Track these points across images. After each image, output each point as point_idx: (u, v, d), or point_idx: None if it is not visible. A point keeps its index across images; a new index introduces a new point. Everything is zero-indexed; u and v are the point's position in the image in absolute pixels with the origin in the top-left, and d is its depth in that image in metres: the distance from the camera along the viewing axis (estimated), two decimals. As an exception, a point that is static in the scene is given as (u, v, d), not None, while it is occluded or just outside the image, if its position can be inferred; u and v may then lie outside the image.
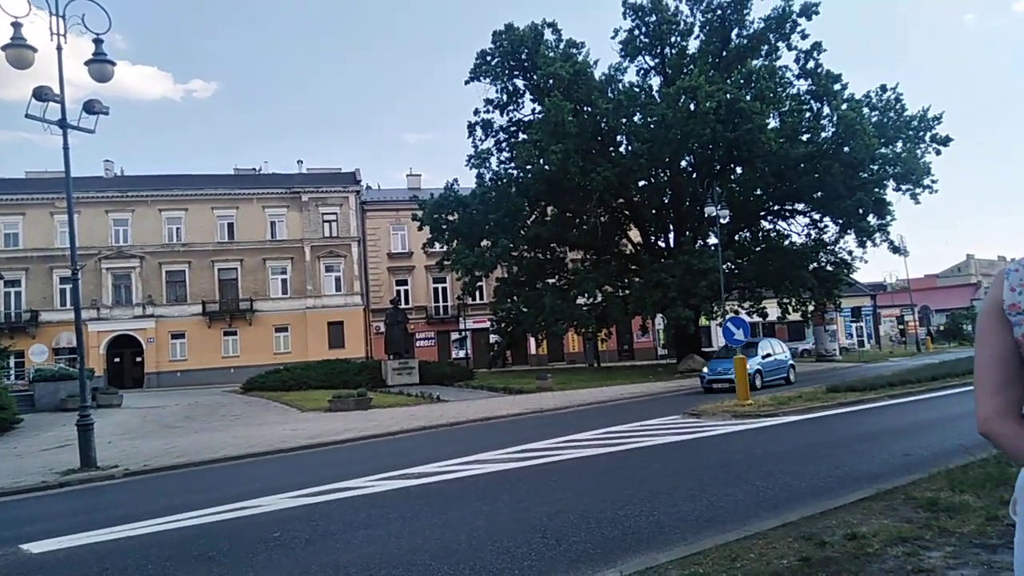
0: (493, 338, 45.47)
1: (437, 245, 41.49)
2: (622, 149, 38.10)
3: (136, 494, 11.33)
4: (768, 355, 26.08)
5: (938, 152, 36.80)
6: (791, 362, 27.66)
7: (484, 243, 37.84)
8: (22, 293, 48.73)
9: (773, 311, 41.53)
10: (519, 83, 39.70)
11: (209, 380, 47.96)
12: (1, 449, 18.19)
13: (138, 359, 50.41)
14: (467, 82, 39.32)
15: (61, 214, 46.09)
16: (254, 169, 59.02)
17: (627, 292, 39.10)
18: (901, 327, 64.68)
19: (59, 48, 13.15)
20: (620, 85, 38.25)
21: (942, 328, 69.20)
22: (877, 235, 36.96)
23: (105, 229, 50.51)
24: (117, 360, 50.11)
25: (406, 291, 54.44)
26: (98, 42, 13.30)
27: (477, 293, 47.46)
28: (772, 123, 34.44)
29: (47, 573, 6.79)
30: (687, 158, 37.39)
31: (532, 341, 50.05)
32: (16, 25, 12.59)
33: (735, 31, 37.35)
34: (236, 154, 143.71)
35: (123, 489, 11.89)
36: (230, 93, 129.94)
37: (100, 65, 13.32)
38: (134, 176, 54.05)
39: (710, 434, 13.72)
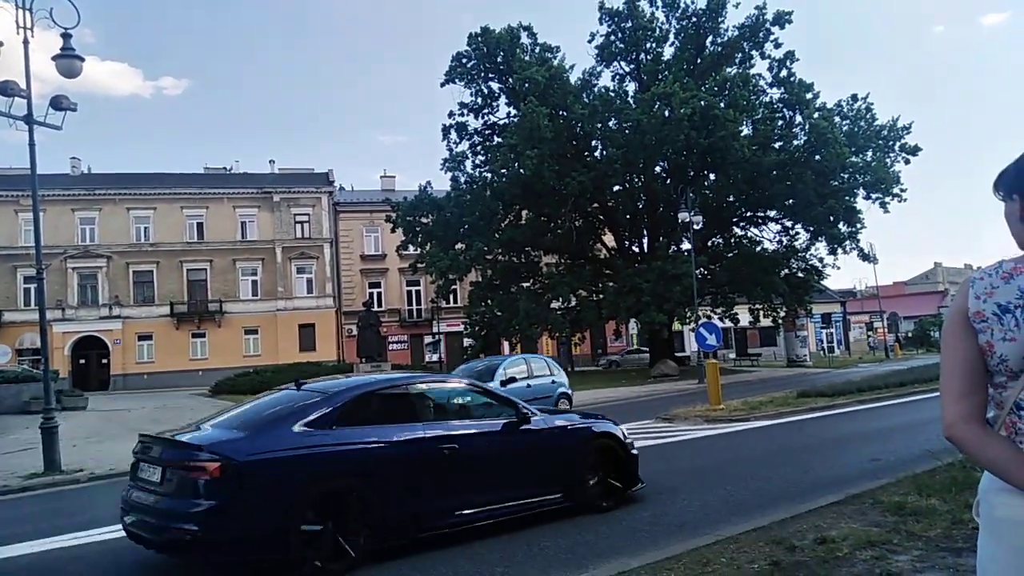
0: (467, 341, 45.36)
1: (411, 247, 41.31)
2: (597, 154, 38.33)
3: (102, 498, 11.05)
4: (514, 379, 17.26)
5: (907, 161, 37.59)
6: (565, 389, 18.73)
7: (458, 246, 37.79)
8: (-15, 293, 47.71)
9: (745, 316, 41.97)
10: (494, 86, 39.79)
11: (177, 383, 47.26)
12: (-39, 452, 17.73)
13: (104, 361, 49.58)
14: (443, 84, 39.33)
15: (26, 212, 45.19)
16: (225, 168, 58.37)
17: (601, 297, 39.26)
18: (870, 333, 65.68)
19: (26, 42, 12.88)
20: (596, 90, 38.51)
21: (910, 335, 70.39)
22: (847, 242, 37.57)
23: (71, 228, 49.65)
24: (82, 362, 49.21)
25: (379, 293, 54.15)
26: (66, 37, 13.05)
27: (451, 296, 47.36)
28: (745, 131, 34.88)
29: (7, 580, 6.61)
30: (661, 164, 37.68)
31: (506, 345, 49.98)
32: (-18, 19, 12.32)
33: (710, 39, 37.76)
34: (207, 153, 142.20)
35: (88, 493, 11.64)
36: (201, 91, 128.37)
37: (68, 60, 13.08)
38: (102, 174, 53.13)
39: (683, 439, 13.79)
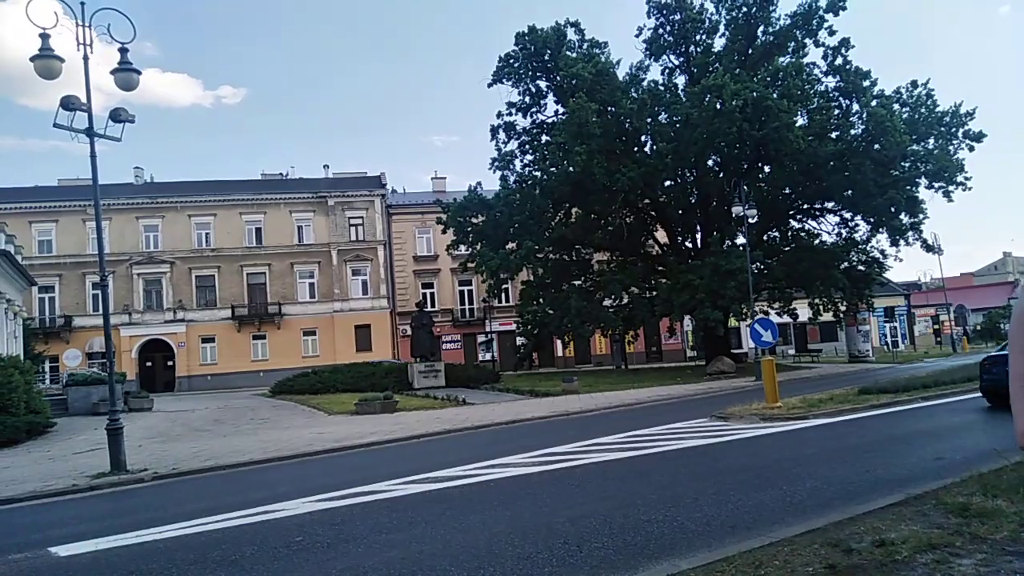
0: (519, 340, 45.41)
1: (462, 248, 41.51)
2: (647, 149, 37.88)
3: (164, 498, 11.44)
4: None
5: (971, 148, 36.13)
6: None
7: (509, 245, 37.80)
8: (56, 299, 49.68)
9: (804, 312, 41.01)
10: (542, 84, 39.64)
11: (238, 384, 48.52)
12: (34, 452, 18.52)
13: (169, 363, 51.16)
14: (490, 85, 39.34)
15: (92, 221, 46.87)
16: (281, 174, 59.68)
17: (654, 294, 38.83)
18: (936, 327, 63.49)
19: (85, 58, 13.36)
20: (644, 84, 38.08)
21: (979, 327, 67.85)
22: (910, 234, 36.33)
23: (136, 235, 51.35)
24: (149, 364, 50.88)
25: (432, 294, 54.61)
26: (123, 51, 13.49)
27: (503, 295, 47.47)
28: (800, 121, 34.03)
29: (73, 577, 6.86)
30: (713, 157, 37.04)
31: (558, 343, 49.96)
32: (44, 36, 12.80)
33: (761, 28, 36.93)
34: (263, 159, 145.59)
35: (151, 492, 12.02)
36: (258, 99, 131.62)
37: (126, 74, 13.51)
38: (164, 183, 54.90)
39: (737, 437, 13.53)
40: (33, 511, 10.94)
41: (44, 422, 23.44)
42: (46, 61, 12.88)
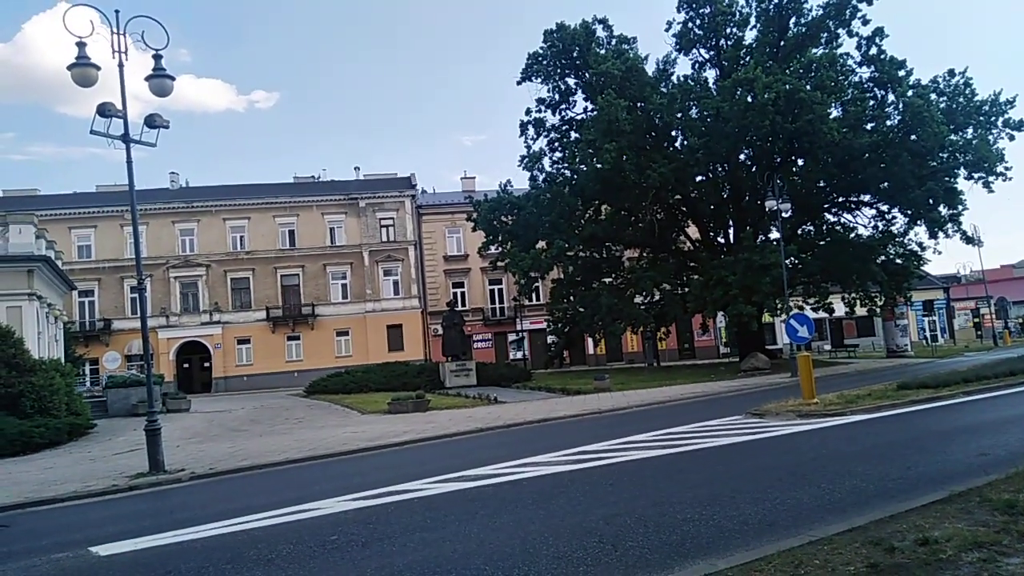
0: (550, 338, 45.33)
1: (492, 247, 41.54)
2: (677, 144, 37.56)
3: (201, 497, 11.59)
4: None
5: (1012, 138, 35.35)
6: None
7: (539, 244, 37.74)
8: (95, 302, 50.69)
9: (840, 306, 40.35)
10: (571, 82, 39.50)
11: (274, 384, 49.13)
12: (75, 453, 18.90)
13: (206, 364, 51.96)
14: (519, 82, 39.33)
15: (130, 225, 47.76)
16: (313, 177, 60.28)
17: (686, 290, 38.49)
18: (976, 320, 62.07)
19: (121, 65, 13.57)
20: (674, 79, 37.73)
21: (1021, 321, 66.18)
22: (949, 226, 35.46)
23: (172, 239, 52.21)
24: (186, 366, 51.75)
25: (463, 293, 54.75)
26: (157, 58, 13.68)
27: (533, 294, 47.38)
28: (834, 113, 33.44)
29: (113, 575, 6.96)
30: (745, 151, 36.61)
31: (589, 341, 49.69)
32: (80, 45, 13.03)
33: (792, 20, 36.35)
34: (296, 162, 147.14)
35: (189, 492, 12.19)
36: (290, 103, 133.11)
37: (160, 80, 13.70)
38: (199, 187, 55.75)
39: (774, 435, 13.33)
40: (74, 511, 11.16)
41: (85, 424, 23.92)
42: (83, 69, 13.12)
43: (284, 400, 35.40)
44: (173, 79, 14.02)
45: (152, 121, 14.06)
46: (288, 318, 52.59)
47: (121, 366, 40.80)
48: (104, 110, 13.37)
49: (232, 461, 14.89)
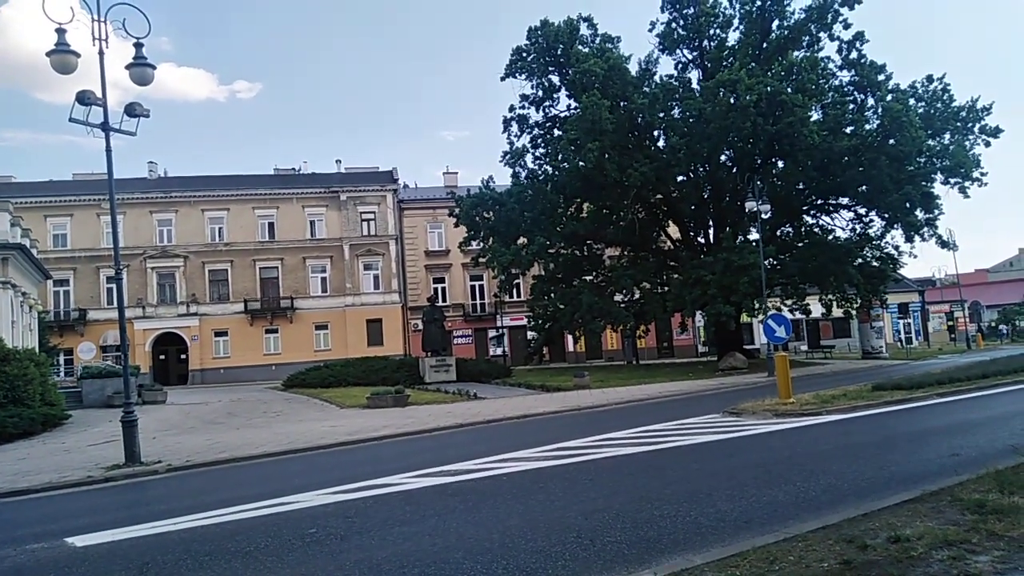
0: (530, 335, 45.41)
1: (474, 243, 41.53)
2: (659, 144, 37.71)
3: (178, 489, 11.52)
4: None
5: (988, 144, 35.89)
6: None
7: (520, 240, 37.78)
8: (71, 292, 50.03)
9: (817, 308, 40.77)
10: (554, 79, 39.50)
11: (251, 377, 48.78)
12: (50, 444, 18.67)
13: (183, 356, 51.47)
14: (503, 78, 39.24)
15: (107, 215, 47.05)
16: (294, 169, 59.79)
17: (666, 289, 38.70)
18: (950, 323, 62.96)
19: (101, 53, 13.42)
20: (657, 79, 37.88)
21: (993, 324, 67.26)
22: (925, 229, 35.96)
23: (150, 229, 51.63)
24: (163, 357, 51.23)
25: (443, 289, 54.65)
26: (138, 46, 13.54)
27: (514, 290, 47.44)
28: (814, 116, 33.81)
29: (90, 566, 6.92)
30: (727, 152, 36.83)
31: (569, 338, 49.94)
32: (60, 31, 12.87)
33: (775, 22, 36.63)
34: (276, 154, 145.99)
35: (165, 484, 12.10)
36: (272, 94, 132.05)
37: (140, 69, 13.56)
38: (177, 177, 55.13)
39: (750, 433, 13.48)
40: (49, 502, 11.05)
41: (59, 414, 23.62)
42: (62, 56, 12.95)
43: (262, 393, 35.17)
44: (154, 68, 13.89)
45: (132, 110, 13.92)
46: (266, 311, 52.21)
47: (96, 357, 40.28)
48: (84, 98, 13.23)
49: (209, 454, 14.80)
